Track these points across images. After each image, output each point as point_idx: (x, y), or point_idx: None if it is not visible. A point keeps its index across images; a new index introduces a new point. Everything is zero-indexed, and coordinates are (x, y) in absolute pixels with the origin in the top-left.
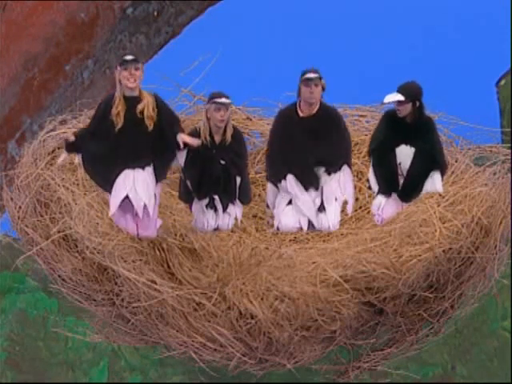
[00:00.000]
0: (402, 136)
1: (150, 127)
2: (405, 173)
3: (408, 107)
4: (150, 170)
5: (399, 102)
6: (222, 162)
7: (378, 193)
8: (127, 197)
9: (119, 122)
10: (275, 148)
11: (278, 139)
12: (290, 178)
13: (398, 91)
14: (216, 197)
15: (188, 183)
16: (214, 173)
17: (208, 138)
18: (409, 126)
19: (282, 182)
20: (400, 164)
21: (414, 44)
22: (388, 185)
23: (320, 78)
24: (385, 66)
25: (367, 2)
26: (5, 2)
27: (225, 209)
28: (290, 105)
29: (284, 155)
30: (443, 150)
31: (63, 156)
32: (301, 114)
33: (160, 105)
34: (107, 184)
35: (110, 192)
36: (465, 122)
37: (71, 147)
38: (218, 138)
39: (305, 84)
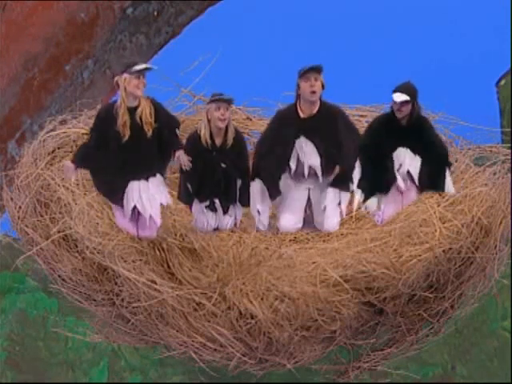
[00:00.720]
0: (399, 139)
1: (149, 133)
2: (406, 176)
3: (409, 107)
4: (155, 180)
5: (403, 103)
6: (223, 165)
7: (368, 193)
8: (135, 206)
9: (126, 134)
10: (266, 146)
11: (271, 138)
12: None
13: (401, 91)
14: (216, 200)
15: (188, 186)
16: (215, 176)
17: (209, 140)
18: (404, 128)
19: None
20: (400, 167)
21: (414, 44)
22: (373, 186)
23: (319, 72)
24: (385, 66)
25: (367, 2)
26: (5, 2)
27: (225, 211)
28: (289, 105)
29: (267, 156)
30: (443, 143)
31: (73, 176)
32: (301, 115)
33: (157, 108)
34: (113, 195)
35: (118, 203)
36: (465, 122)
37: (76, 167)
38: (218, 141)
39: (304, 79)
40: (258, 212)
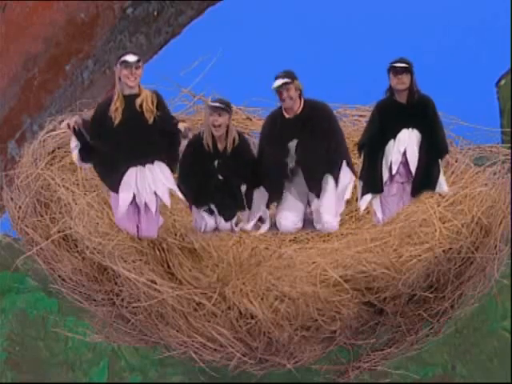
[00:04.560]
0: (401, 120)
1: (150, 120)
2: (411, 160)
3: (408, 79)
4: (152, 166)
5: (405, 72)
6: (220, 176)
7: (364, 191)
8: (134, 196)
9: (117, 118)
10: (261, 151)
11: (263, 142)
12: (261, 189)
13: (399, 61)
14: (213, 205)
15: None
16: (211, 187)
17: (210, 144)
18: (405, 108)
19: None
20: (406, 151)
21: (414, 44)
22: (375, 183)
23: (289, 83)
24: (385, 66)
25: (367, 3)
26: (5, 2)
27: (227, 219)
28: (277, 107)
29: (264, 160)
30: (444, 133)
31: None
32: (286, 116)
33: (160, 101)
34: (114, 184)
35: (117, 192)
36: (465, 122)
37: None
38: (221, 146)
39: (276, 91)
40: (261, 218)
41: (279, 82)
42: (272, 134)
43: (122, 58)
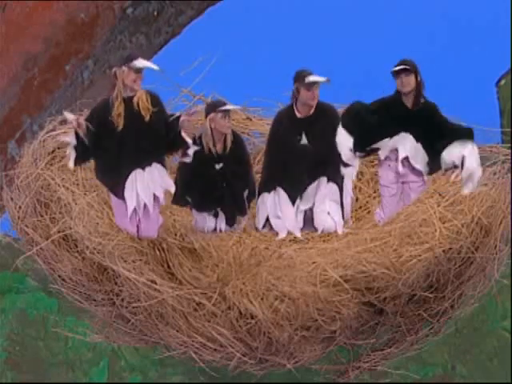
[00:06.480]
0: (403, 123)
1: (147, 117)
2: (417, 165)
3: (412, 80)
4: (150, 169)
5: (405, 73)
6: (224, 184)
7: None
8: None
9: (120, 124)
10: (271, 154)
11: (275, 143)
12: (279, 190)
13: (399, 65)
14: (219, 209)
15: (188, 198)
16: (215, 193)
17: (212, 148)
18: (409, 112)
19: (272, 192)
20: (408, 158)
21: (414, 44)
22: (363, 141)
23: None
24: (385, 66)
25: (368, 3)
26: (5, 2)
27: (231, 224)
28: (286, 107)
29: (279, 162)
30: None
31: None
32: (298, 115)
33: (155, 97)
34: (116, 187)
35: (120, 195)
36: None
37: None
38: (219, 147)
39: (307, 88)
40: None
41: (320, 78)
42: (282, 136)
43: (135, 64)
